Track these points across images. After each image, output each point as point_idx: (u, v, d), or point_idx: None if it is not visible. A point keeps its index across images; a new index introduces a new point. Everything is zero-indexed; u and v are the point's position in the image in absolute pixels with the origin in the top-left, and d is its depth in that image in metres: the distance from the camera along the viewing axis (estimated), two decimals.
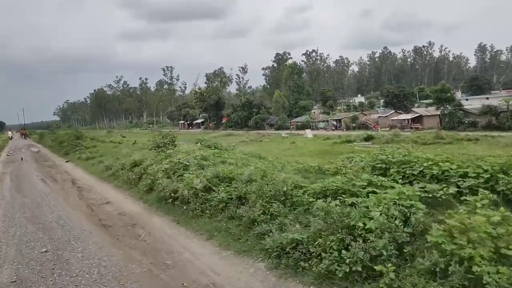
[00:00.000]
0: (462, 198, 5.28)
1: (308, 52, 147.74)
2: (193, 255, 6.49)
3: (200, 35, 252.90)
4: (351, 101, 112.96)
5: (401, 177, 6.65)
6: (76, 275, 5.90)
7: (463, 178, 6.23)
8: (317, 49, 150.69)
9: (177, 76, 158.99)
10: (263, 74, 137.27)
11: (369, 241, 4.56)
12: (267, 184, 7.28)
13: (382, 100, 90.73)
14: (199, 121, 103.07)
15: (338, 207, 5.14)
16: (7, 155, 32.19)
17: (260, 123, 77.54)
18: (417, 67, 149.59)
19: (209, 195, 8.48)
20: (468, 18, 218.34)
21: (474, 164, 6.45)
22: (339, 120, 66.05)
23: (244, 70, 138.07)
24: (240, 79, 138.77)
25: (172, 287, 5.38)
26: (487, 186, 5.91)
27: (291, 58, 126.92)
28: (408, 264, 4.41)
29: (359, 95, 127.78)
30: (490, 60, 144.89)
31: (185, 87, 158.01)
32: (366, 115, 66.83)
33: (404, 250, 4.49)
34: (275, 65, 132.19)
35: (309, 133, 53.45)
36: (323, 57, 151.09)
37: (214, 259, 6.22)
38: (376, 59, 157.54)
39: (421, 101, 78.77)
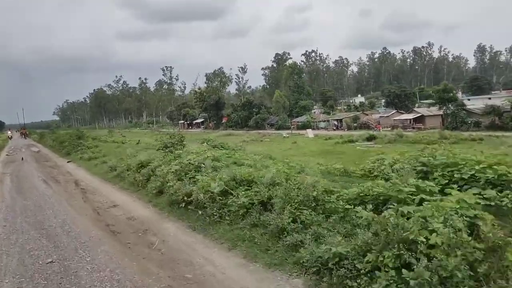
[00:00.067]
0: None
1: (307, 52, 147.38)
2: (215, 267, 5.87)
3: (200, 35, 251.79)
4: (351, 101, 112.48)
5: (446, 181, 6.00)
6: None
7: None
8: (317, 49, 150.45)
9: (177, 76, 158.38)
10: (262, 74, 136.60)
11: (435, 259, 3.92)
12: (294, 189, 6.64)
13: (382, 100, 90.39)
14: (198, 121, 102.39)
15: (392, 217, 4.47)
16: (7, 155, 31.41)
17: (261, 123, 76.92)
18: (416, 67, 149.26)
19: (227, 199, 7.86)
20: (468, 18, 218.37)
21: None
22: (340, 120, 65.53)
23: (243, 70, 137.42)
24: (239, 79, 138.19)
25: None
26: None
27: (290, 58, 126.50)
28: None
29: (359, 95, 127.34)
30: (489, 61, 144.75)
31: (185, 87, 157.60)
32: (367, 115, 66.27)
33: (479, 270, 3.86)
34: (275, 65, 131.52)
35: (310, 133, 52.79)
36: (322, 57, 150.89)
37: (241, 273, 5.59)
38: (376, 60, 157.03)
39: (422, 101, 78.55)
